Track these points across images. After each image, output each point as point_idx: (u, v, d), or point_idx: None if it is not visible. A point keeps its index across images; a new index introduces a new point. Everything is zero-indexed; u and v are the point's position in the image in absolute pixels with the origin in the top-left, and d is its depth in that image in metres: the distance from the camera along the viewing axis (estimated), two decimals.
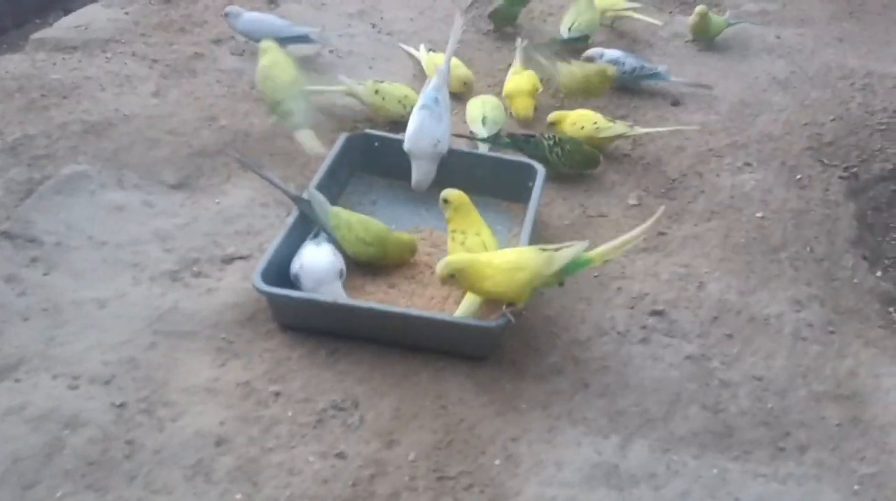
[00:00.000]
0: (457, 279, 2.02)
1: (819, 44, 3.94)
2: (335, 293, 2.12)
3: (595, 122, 2.98)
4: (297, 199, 2.29)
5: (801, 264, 2.62)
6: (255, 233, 2.44)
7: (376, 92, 2.95)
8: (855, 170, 3.07)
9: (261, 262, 2.13)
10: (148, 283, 2.22)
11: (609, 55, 3.38)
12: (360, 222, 2.32)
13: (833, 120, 3.31)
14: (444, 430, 1.93)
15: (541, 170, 2.58)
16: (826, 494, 1.90)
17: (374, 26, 3.64)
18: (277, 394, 1.98)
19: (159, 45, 3.25)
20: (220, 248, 2.38)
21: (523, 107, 3.13)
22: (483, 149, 2.86)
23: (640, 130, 3.01)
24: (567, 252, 2.05)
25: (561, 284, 2.17)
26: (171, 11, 3.51)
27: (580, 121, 2.98)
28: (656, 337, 2.26)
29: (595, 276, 2.45)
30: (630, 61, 3.36)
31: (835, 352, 2.29)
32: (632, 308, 2.35)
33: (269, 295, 2.09)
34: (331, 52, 3.40)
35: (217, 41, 3.34)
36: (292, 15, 3.62)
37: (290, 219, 2.29)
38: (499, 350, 2.14)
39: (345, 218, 2.32)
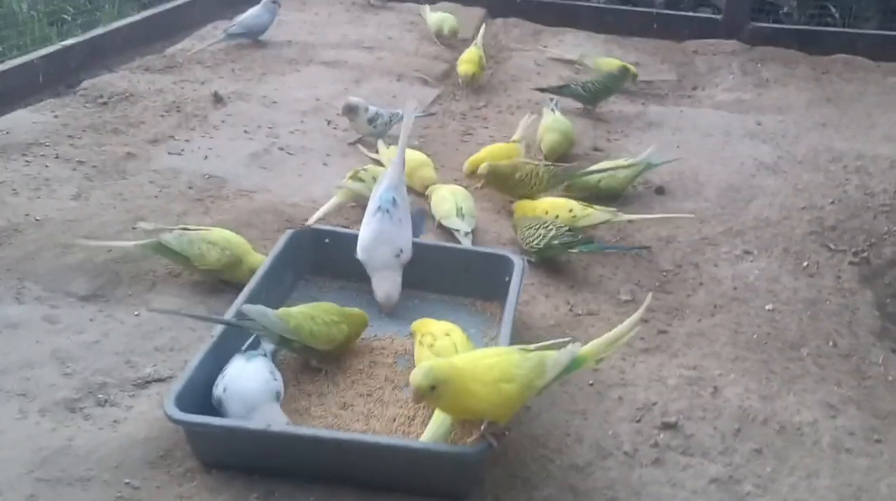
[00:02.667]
0: (437, 393, 1.59)
1: (801, 129, 3.73)
2: (270, 418, 1.69)
3: (570, 210, 2.66)
4: (233, 324, 1.89)
5: (826, 361, 2.24)
6: (180, 350, 2.03)
7: (374, 178, 2.53)
8: (865, 254, 2.75)
9: (176, 384, 1.71)
10: (36, 416, 1.78)
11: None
12: (316, 309, 1.98)
13: (832, 203, 3.03)
14: None
15: (518, 262, 2.22)
16: None
17: (328, 123, 3.37)
18: None
19: (87, 146, 2.93)
20: (133, 369, 1.95)
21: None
22: (466, 242, 2.51)
23: (624, 217, 2.70)
24: (560, 356, 1.67)
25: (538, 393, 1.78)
26: (106, 114, 3.22)
27: (553, 209, 2.66)
28: (672, 457, 1.84)
29: (590, 384, 2.05)
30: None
31: (887, 466, 1.88)
32: (638, 421, 1.94)
33: (186, 425, 1.66)
34: (281, 149, 3.10)
35: (154, 141, 3.03)
36: (241, 114, 3.34)
37: (217, 331, 1.88)
38: (478, 484, 1.70)
39: (297, 313, 1.94)
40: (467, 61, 3.87)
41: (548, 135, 3.23)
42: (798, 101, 4.09)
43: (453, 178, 3.01)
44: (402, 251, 2.17)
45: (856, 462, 1.88)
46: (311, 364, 1.99)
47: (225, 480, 1.67)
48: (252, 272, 2.13)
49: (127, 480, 1.66)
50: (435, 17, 4.42)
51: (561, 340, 1.72)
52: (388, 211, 2.17)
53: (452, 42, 4.33)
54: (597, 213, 2.67)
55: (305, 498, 1.64)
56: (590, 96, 3.69)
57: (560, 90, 3.70)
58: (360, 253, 2.17)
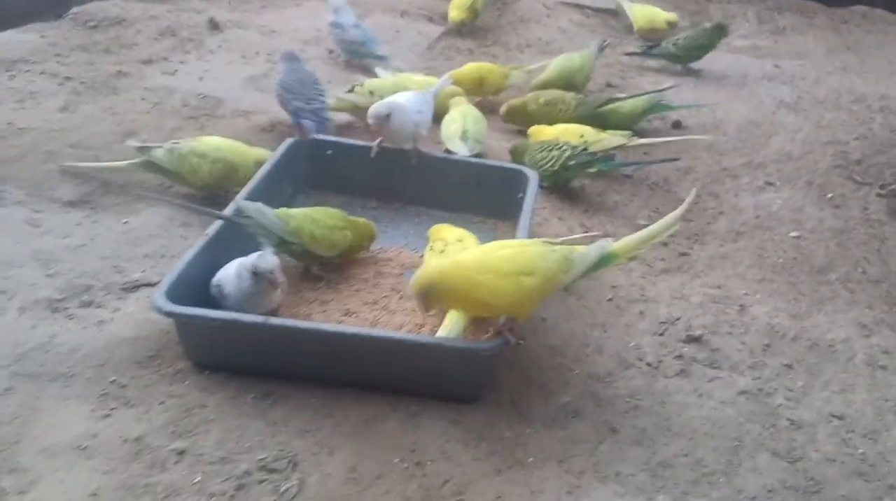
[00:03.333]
0: (436, 294, 1.46)
1: (822, 73, 3.60)
2: (271, 262, 1.57)
3: (582, 135, 2.53)
4: (229, 219, 1.76)
5: (856, 286, 2.12)
6: (171, 257, 1.89)
7: (371, 93, 2.53)
8: (893, 187, 2.63)
9: (167, 278, 1.58)
10: (14, 314, 1.65)
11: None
12: (319, 212, 1.85)
13: (857, 139, 2.91)
14: (421, 495, 1.35)
15: (533, 176, 2.09)
16: None
17: (330, 52, 3.22)
18: (181, 453, 1.39)
19: (76, 64, 2.78)
20: (121, 274, 1.82)
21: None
22: (464, 153, 2.37)
23: (639, 141, 2.57)
24: (590, 250, 1.53)
25: (565, 288, 1.68)
26: (97, 35, 3.06)
27: (564, 135, 2.53)
28: (698, 369, 1.72)
29: (609, 299, 1.92)
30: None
31: None
32: (661, 334, 1.81)
33: (178, 317, 1.53)
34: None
35: (147, 61, 2.88)
36: (238, 41, 3.19)
37: (212, 229, 1.75)
38: (493, 387, 1.58)
39: (298, 214, 1.81)
40: (456, 6, 3.62)
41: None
42: (817, 49, 3.96)
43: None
44: (420, 112, 2.13)
45: (893, 378, 1.76)
46: (311, 271, 1.86)
47: (219, 380, 1.55)
48: (251, 176, 1.99)
49: (113, 378, 1.53)
50: None
51: (590, 234, 1.58)
52: (422, 93, 2.18)
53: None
54: (610, 138, 2.53)
55: (306, 400, 1.52)
56: (683, 54, 3.48)
57: (651, 51, 3.51)
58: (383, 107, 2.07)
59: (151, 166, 2.12)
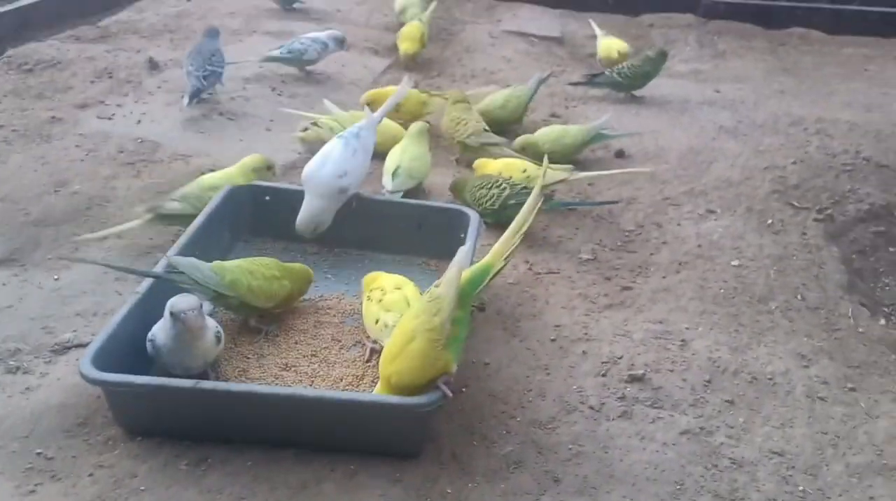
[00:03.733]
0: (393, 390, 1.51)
1: (760, 96, 3.67)
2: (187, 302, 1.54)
3: (524, 170, 2.54)
4: (161, 277, 1.72)
5: (795, 314, 2.15)
6: (104, 315, 1.84)
7: (331, 129, 2.57)
8: (829, 212, 2.68)
9: (94, 342, 1.53)
10: None
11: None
12: (254, 263, 1.82)
13: (794, 163, 2.96)
14: None
15: (474, 216, 2.08)
16: None
17: (273, 89, 3.19)
18: None
19: (8, 110, 2.72)
20: (50, 335, 1.77)
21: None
22: (389, 189, 2.38)
23: (580, 174, 2.58)
24: (448, 280, 1.52)
25: (481, 309, 1.75)
26: (30, 79, 3.00)
27: (507, 170, 2.54)
28: (640, 410, 1.72)
29: (552, 340, 1.92)
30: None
31: (863, 413, 1.78)
32: (603, 375, 1.81)
33: (104, 385, 1.48)
34: (221, 114, 2.92)
35: (83, 106, 2.83)
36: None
37: (143, 286, 1.71)
38: (434, 439, 1.56)
39: (233, 267, 1.77)
40: (408, 38, 3.61)
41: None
42: (756, 72, 4.03)
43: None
44: (345, 174, 2.02)
45: (831, 409, 1.78)
46: (249, 324, 1.83)
47: (151, 447, 1.50)
48: None
49: (39, 450, 1.48)
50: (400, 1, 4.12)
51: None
52: (346, 138, 2.06)
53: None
54: (552, 172, 2.54)
55: (242, 465, 1.48)
56: (627, 83, 3.48)
57: (595, 80, 3.51)
58: (304, 171, 2.04)
59: (166, 218, 2.11)
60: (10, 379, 1.63)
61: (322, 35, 3.38)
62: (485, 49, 4.00)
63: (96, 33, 3.59)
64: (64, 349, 1.74)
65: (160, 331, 1.58)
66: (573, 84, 3.57)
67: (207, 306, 1.75)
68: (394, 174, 2.40)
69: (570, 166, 2.60)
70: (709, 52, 4.29)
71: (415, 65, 3.61)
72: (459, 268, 1.53)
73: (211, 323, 1.61)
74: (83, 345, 1.74)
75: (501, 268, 1.65)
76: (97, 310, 1.86)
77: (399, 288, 1.80)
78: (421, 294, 1.82)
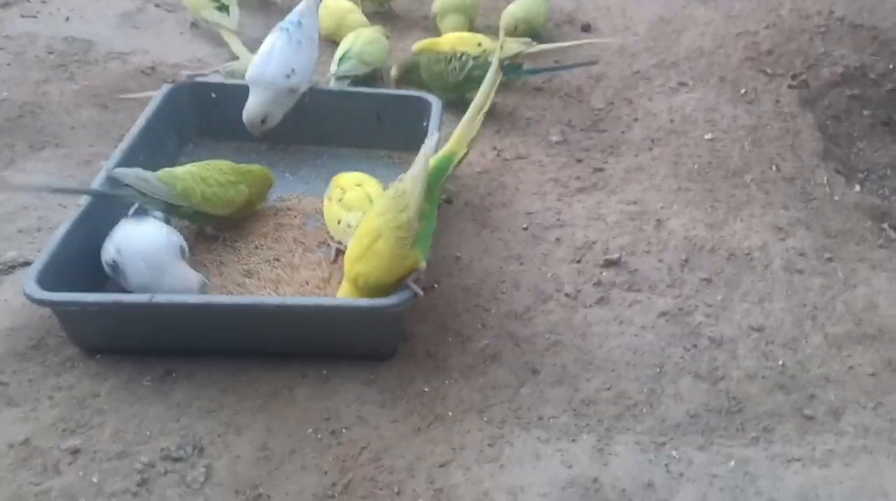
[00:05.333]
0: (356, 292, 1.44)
1: None
2: (183, 277, 1.45)
3: (479, 44, 2.39)
4: (104, 194, 1.59)
5: (771, 186, 2.09)
6: (49, 230, 1.72)
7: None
8: (803, 77, 2.58)
9: (37, 261, 1.43)
10: None
11: None
12: (207, 168, 1.70)
13: (767, 27, 2.83)
14: (339, 467, 1.29)
15: (436, 102, 1.96)
16: (888, 470, 1.34)
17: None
18: (75, 452, 1.29)
19: None
20: None
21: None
22: (336, 84, 2.21)
23: (539, 47, 2.44)
24: (414, 175, 1.42)
25: (449, 201, 1.69)
26: None
27: (460, 44, 2.38)
28: (617, 295, 1.67)
29: (524, 228, 1.85)
30: None
31: (841, 283, 1.76)
32: (578, 261, 1.76)
33: (53, 305, 1.39)
34: (157, 6, 2.70)
35: (4, 4, 2.59)
36: None
37: (86, 199, 1.59)
38: (408, 339, 1.51)
39: (184, 174, 1.66)
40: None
41: (449, 17, 2.63)
42: None
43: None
44: (292, 72, 1.87)
45: (809, 281, 1.75)
46: (206, 231, 1.73)
47: (111, 364, 1.44)
48: None
49: None
50: None
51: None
52: (288, 30, 1.88)
53: None
54: (509, 45, 2.40)
55: (208, 376, 1.42)
56: None
57: None
58: (248, 72, 1.88)
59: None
60: None
61: None
62: None
63: None
64: (9, 269, 1.63)
65: (133, 270, 1.47)
66: None
67: (161, 214, 1.64)
68: (342, 58, 2.24)
69: (527, 38, 2.46)
70: None
71: None
72: (426, 161, 1.43)
73: (175, 239, 1.51)
74: (28, 264, 1.63)
75: (466, 155, 1.55)
76: (41, 226, 1.75)
77: (360, 185, 1.71)
78: (384, 189, 1.73)
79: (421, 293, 1.42)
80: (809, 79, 2.60)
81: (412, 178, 1.42)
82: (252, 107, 1.87)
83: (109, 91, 2.19)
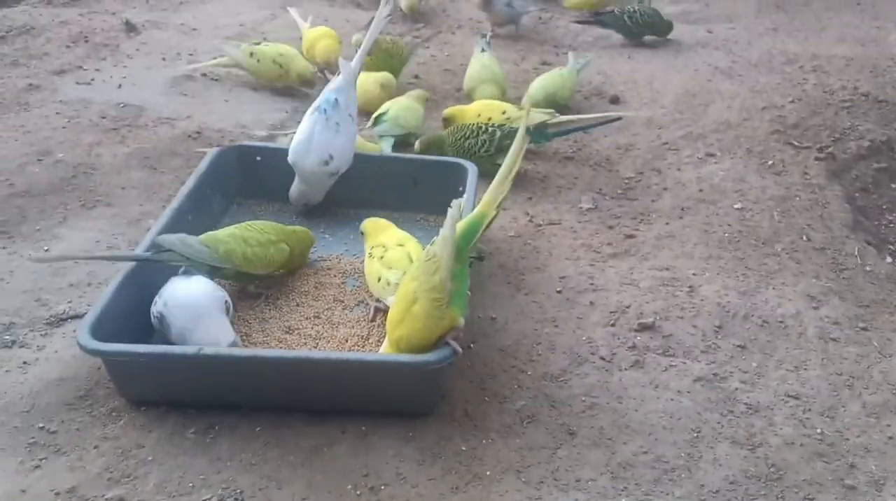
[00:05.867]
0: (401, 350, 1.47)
1: (753, 35, 3.60)
2: (218, 331, 1.49)
3: (504, 112, 2.48)
4: (149, 260, 1.65)
5: (802, 255, 2.12)
6: (98, 285, 1.79)
7: (251, 54, 2.70)
8: (830, 150, 2.64)
9: (91, 313, 1.48)
10: None
11: None
12: (249, 229, 1.76)
13: (792, 101, 2.91)
14: None
15: (472, 168, 2.03)
16: None
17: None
18: None
19: None
20: (44, 308, 1.71)
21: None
22: (386, 148, 2.32)
23: (562, 118, 2.52)
24: (443, 235, 1.46)
25: (480, 259, 1.73)
26: (4, 46, 2.89)
27: (486, 111, 2.47)
28: (652, 359, 1.69)
29: (558, 291, 1.88)
30: None
31: (877, 352, 1.76)
32: (613, 325, 1.78)
33: (106, 355, 1.44)
34: (204, 75, 2.83)
35: (60, 72, 2.73)
36: (157, 42, 3.04)
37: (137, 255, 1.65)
38: (446, 397, 1.53)
39: (226, 237, 1.72)
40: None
41: (482, 87, 2.72)
42: (746, 10, 3.95)
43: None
44: (331, 158, 1.95)
45: (844, 350, 1.76)
46: (249, 289, 1.78)
47: (157, 417, 1.47)
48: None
49: (41, 424, 1.44)
50: None
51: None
52: (325, 111, 1.96)
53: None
54: (534, 114, 2.48)
55: (251, 429, 1.45)
56: (637, 29, 3.36)
57: (601, 19, 3.41)
58: (289, 155, 1.97)
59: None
60: (6, 355, 1.58)
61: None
62: None
63: None
64: (59, 321, 1.69)
65: (174, 318, 1.52)
66: (578, 22, 3.51)
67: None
68: (377, 119, 2.35)
69: (551, 110, 2.54)
70: None
71: (397, 16, 3.49)
72: (454, 224, 1.47)
73: (220, 293, 1.56)
74: (79, 316, 1.69)
75: (495, 217, 1.60)
76: (90, 281, 1.81)
77: (401, 245, 1.75)
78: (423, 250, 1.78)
79: (460, 350, 1.44)
80: (836, 151, 2.65)
81: (442, 240, 1.46)
82: (293, 193, 1.99)
83: (159, 154, 2.29)
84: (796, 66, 3.22)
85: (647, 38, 3.47)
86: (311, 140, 1.96)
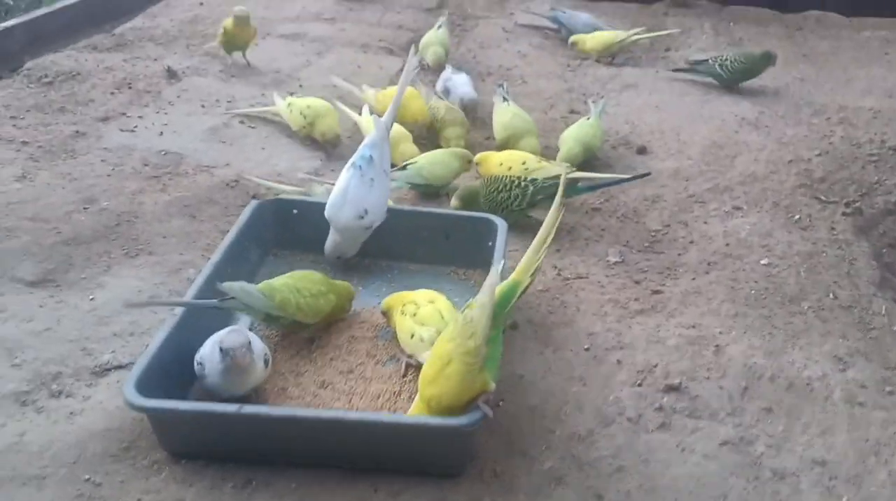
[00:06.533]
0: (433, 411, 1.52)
1: (780, 85, 3.64)
2: (237, 340, 1.55)
3: (524, 163, 2.53)
4: (214, 306, 1.72)
5: (829, 314, 2.14)
6: (141, 334, 1.86)
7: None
8: (857, 205, 2.66)
9: (136, 367, 1.55)
10: None
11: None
12: (301, 279, 1.83)
13: (819, 155, 2.94)
14: None
15: (501, 224, 2.08)
16: None
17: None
18: None
19: (31, 126, 2.72)
20: (89, 357, 1.78)
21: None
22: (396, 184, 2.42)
23: (578, 174, 2.56)
24: (481, 301, 1.51)
25: (514, 327, 1.78)
26: (51, 93, 3.00)
27: (507, 161, 2.54)
28: (679, 421, 1.72)
29: (586, 349, 1.92)
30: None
31: None
32: (639, 384, 1.81)
33: (149, 411, 1.50)
34: (241, 123, 2.92)
35: (104, 119, 2.83)
36: (197, 89, 3.15)
37: (180, 310, 1.71)
38: (475, 459, 1.56)
39: (281, 286, 1.79)
40: (436, 43, 3.48)
41: (526, 139, 2.77)
42: None
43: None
44: (366, 212, 2.01)
45: (871, 415, 1.77)
46: (303, 335, 1.84)
47: (196, 470, 1.52)
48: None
49: (87, 476, 1.49)
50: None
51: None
52: (360, 167, 2.03)
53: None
54: (551, 167, 2.53)
55: (287, 485, 1.49)
56: (729, 77, 3.48)
57: (696, 67, 3.57)
58: (326, 210, 2.04)
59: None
60: (54, 404, 1.65)
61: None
62: (499, 44, 3.98)
63: (112, 42, 3.58)
64: (104, 371, 1.75)
65: (209, 361, 1.58)
66: (675, 70, 3.59)
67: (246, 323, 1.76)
68: (404, 165, 2.42)
69: (567, 164, 2.59)
70: (725, 39, 4.25)
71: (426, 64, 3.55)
72: (492, 289, 1.52)
73: (259, 349, 1.61)
74: (122, 367, 1.75)
75: (529, 285, 1.65)
76: (134, 330, 1.87)
77: (432, 302, 1.80)
78: (454, 307, 1.83)
79: (490, 414, 1.48)
80: (864, 206, 2.67)
81: (480, 307, 1.50)
82: (329, 247, 2.06)
83: (198, 202, 2.37)
84: (823, 118, 3.25)
85: (668, 85, 3.53)
86: (347, 195, 2.03)
